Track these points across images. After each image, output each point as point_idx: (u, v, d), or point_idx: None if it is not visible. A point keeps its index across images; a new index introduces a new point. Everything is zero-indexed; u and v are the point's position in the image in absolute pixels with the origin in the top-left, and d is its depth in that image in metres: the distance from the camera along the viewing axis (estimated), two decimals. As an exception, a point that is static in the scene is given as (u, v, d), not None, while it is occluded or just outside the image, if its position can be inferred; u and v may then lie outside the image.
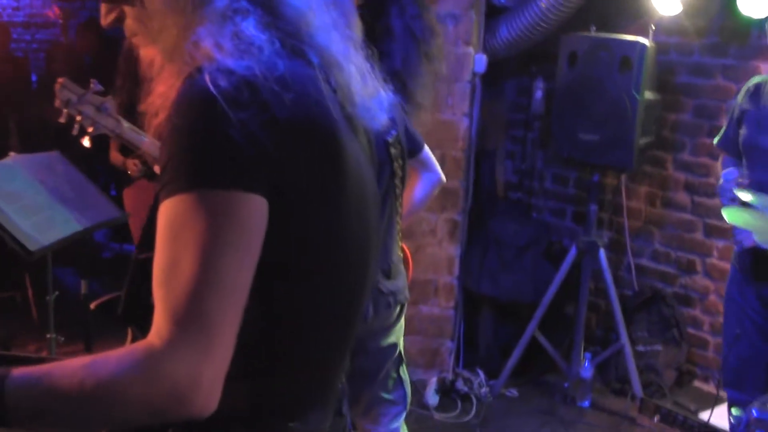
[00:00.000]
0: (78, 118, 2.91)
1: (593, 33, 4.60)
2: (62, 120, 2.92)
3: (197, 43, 1.28)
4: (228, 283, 1.18)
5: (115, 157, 4.12)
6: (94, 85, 2.93)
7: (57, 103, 2.91)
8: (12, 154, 3.36)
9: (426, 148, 2.92)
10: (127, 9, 1.39)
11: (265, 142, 1.22)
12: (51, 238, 3.08)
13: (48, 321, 3.53)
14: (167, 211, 1.20)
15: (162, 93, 1.33)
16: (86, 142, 3.05)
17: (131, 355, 1.16)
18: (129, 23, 1.41)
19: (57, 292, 3.56)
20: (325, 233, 1.35)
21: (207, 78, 1.22)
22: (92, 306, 4.00)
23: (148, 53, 1.41)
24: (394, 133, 2.58)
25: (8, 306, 5.62)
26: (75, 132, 2.94)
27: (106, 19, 1.42)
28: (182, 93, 1.24)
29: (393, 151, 2.59)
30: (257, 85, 1.24)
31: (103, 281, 5.90)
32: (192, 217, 1.18)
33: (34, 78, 7.72)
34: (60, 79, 2.93)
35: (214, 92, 1.20)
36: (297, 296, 1.34)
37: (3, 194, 3.04)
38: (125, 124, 2.95)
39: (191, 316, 1.15)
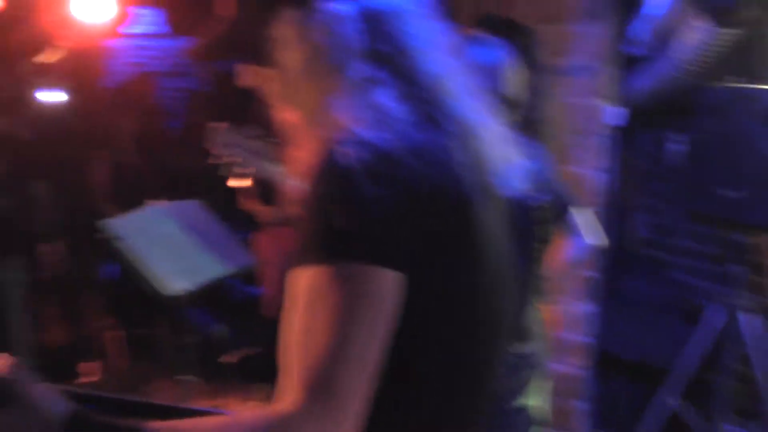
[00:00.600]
0: (233, 160, 3.00)
1: (736, 83, 4.45)
2: (215, 162, 3.01)
3: (335, 113, 1.31)
4: (360, 355, 1.19)
5: (250, 202, 4.22)
6: (250, 129, 3.02)
7: (212, 147, 3.00)
8: (156, 200, 3.48)
9: (574, 210, 2.88)
10: (268, 71, 1.41)
11: (400, 215, 1.23)
12: (191, 283, 3.18)
13: (180, 362, 3.62)
14: (303, 280, 1.23)
15: (301, 158, 1.35)
16: (239, 183, 3.14)
17: (265, 421, 1.17)
18: (270, 85, 1.43)
19: (193, 335, 3.65)
20: (459, 303, 1.35)
21: (345, 150, 1.23)
22: (229, 359, 4.08)
23: (287, 116, 1.43)
24: (535, 198, 2.55)
25: (141, 343, 5.79)
26: (229, 174, 3.03)
27: (244, 80, 1.45)
28: (321, 164, 1.26)
29: (534, 216, 2.56)
30: (394, 157, 1.25)
31: (232, 323, 6.02)
32: (327, 288, 1.20)
33: (176, 125, 8.01)
34: (215, 124, 3.03)
35: (352, 165, 1.22)
36: (429, 364, 1.34)
37: (148, 238, 3.16)
38: (277, 168, 3.01)
39: (323, 386, 1.16)
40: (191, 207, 3.54)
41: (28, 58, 5.08)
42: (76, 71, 6.17)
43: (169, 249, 3.22)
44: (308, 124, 1.38)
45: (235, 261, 3.39)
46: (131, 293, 3.53)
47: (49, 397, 1.24)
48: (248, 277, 5.98)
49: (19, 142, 5.08)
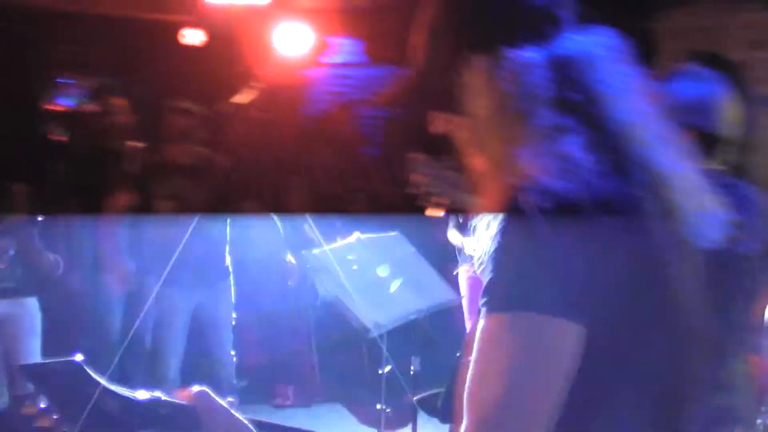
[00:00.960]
0: (430, 190, 3.00)
1: None
2: (415, 192, 3.02)
3: (520, 161, 1.28)
4: (532, 409, 1.18)
5: (453, 234, 4.19)
6: (448, 160, 3.01)
7: (410, 176, 3.02)
8: (356, 234, 3.52)
9: None
10: (457, 118, 1.40)
11: (584, 268, 1.21)
12: (389, 317, 3.18)
13: (372, 392, 3.63)
14: (485, 326, 1.23)
15: (487, 206, 1.33)
16: (435, 213, 3.15)
17: None
18: (459, 132, 1.42)
19: (389, 367, 3.65)
20: (641, 358, 1.30)
21: (528, 199, 1.22)
22: (415, 400, 4.09)
23: (475, 162, 1.42)
24: (742, 247, 2.39)
25: (336, 369, 5.88)
26: (426, 205, 3.04)
27: (435, 125, 1.44)
28: (503, 212, 1.25)
29: (739, 266, 2.40)
30: (579, 208, 1.22)
31: (433, 356, 6.00)
32: (505, 336, 1.20)
33: (373, 152, 8.15)
34: (413, 154, 3.04)
35: (534, 215, 1.20)
36: (608, 421, 1.29)
37: (347, 272, 3.19)
38: (472, 201, 2.99)
39: None
40: (392, 239, 3.55)
41: (229, 91, 5.30)
42: (277, 101, 6.41)
43: (368, 281, 3.23)
44: (494, 171, 1.36)
45: (436, 297, 3.36)
46: (335, 318, 3.59)
47: (235, 426, 1.34)
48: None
49: (221, 170, 5.30)
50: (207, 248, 5.11)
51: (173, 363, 5.10)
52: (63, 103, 7.52)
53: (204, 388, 1.48)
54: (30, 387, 1.44)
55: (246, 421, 1.48)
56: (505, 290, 1.22)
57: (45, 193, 5.54)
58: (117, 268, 5.10)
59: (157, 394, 1.49)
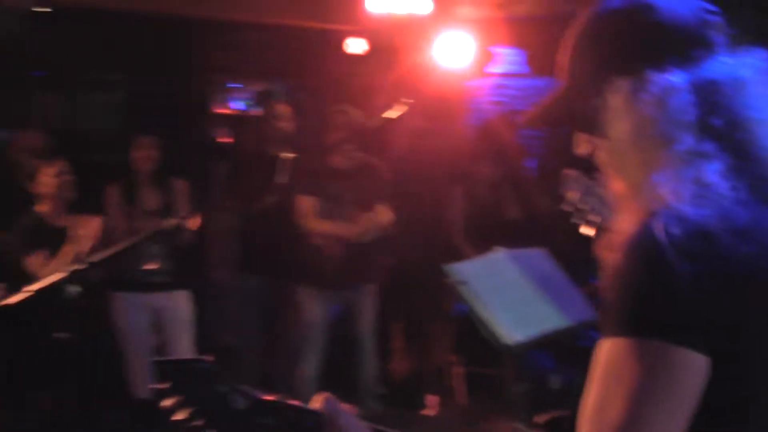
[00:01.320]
0: (584, 207, 2.93)
1: None
2: (567, 209, 2.97)
3: (656, 186, 1.27)
4: None
5: (603, 251, 4.05)
6: (597, 177, 2.92)
7: (565, 192, 2.96)
8: (499, 248, 3.48)
9: None
10: (599, 140, 1.39)
11: (713, 297, 1.18)
12: (530, 333, 3.13)
13: (516, 407, 3.57)
14: (604, 351, 1.21)
15: (622, 230, 1.32)
16: (589, 232, 3.08)
17: None
18: (600, 154, 1.41)
19: (530, 383, 3.58)
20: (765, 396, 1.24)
21: (660, 225, 1.20)
22: (540, 421, 3.98)
23: (614, 185, 1.41)
24: None
25: (485, 383, 5.81)
26: (580, 222, 2.97)
27: (580, 148, 1.41)
28: (634, 236, 1.24)
29: None
30: (713, 236, 1.20)
31: (578, 370, 5.84)
32: (625, 363, 1.18)
33: (532, 167, 8.02)
34: (569, 169, 2.99)
35: (665, 240, 1.19)
36: None
37: (489, 287, 3.15)
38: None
39: None
40: (537, 255, 3.49)
41: (390, 99, 5.33)
42: (437, 110, 6.42)
43: (510, 297, 3.19)
44: (631, 195, 1.35)
45: (578, 314, 3.27)
46: (478, 331, 3.56)
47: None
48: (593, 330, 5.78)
49: (380, 177, 5.34)
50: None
51: (314, 367, 5.18)
52: (230, 106, 7.84)
53: (330, 394, 1.50)
54: (166, 382, 1.49)
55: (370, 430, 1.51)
56: (626, 314, 1.20)
57: (207, 192, 5.77)
58: None
59: (284, 396, 1.51)
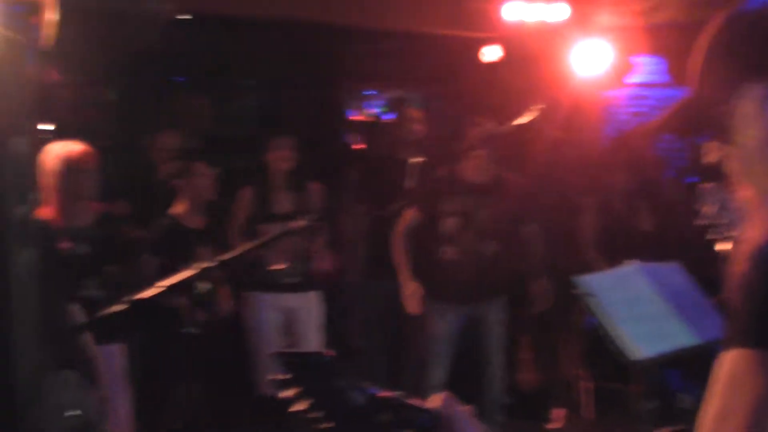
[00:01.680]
0: (720, 222, 2.86)
1: None
2: (703, 223, 2.89)
3: None
4: None
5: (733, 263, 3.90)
6: (729, 191, 2.83)
7: (701, 206, 2.90)
8: (631, 261, 3.40)
9: None
10: (728, 147, 1.36)
11: None
12: (659, 349, 3.05)
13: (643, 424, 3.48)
14: (726, 362, 1.18)
15: (749, 239, 1.28)
16: (725, 247, 2.99)
17: None
18: (730, 162, 1.39)
19: (658, 400, 3.49)
20: None
21: None
22: None
23: (744, 194, 1.38)
24: None
25: (613, 398, 5.68)
26: (716, 237, 2.89)
27: (709, 156, 1.38)
28: (761, 246, 1.22)
29: None
30: None
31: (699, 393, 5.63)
32: (748, 374, 1.16)
33: (670, 179, 7.77)
34: (704, 184, 2.92)
35: None
36: None
37: (619, 300, 3.09)
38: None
39: None
40: (671, 270, 3.38)
41: (525, 109, 5.29)
42: (573, 120, 6.31)
43: (640, 311, 3.11)
44: (759, 203, 1.33)
45: (711, 332, 3.15)
46: (607, 345, 3.49)
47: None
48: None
49: (513, 187, 5.29)
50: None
51: (440, 376, 5.16)
52: (364, 113, 7.95)
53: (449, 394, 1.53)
54: (288, 373, 1.54)
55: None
56: (750, 326, 1.18)
57: (340, 196, 5.87)
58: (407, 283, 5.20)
59: (401, 394, 1.54)
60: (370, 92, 8.18)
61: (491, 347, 5.26)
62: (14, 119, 2.37)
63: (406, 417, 1.52)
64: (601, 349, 4.94)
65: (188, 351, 4.59)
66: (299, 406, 1.55)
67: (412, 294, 5.05)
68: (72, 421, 2.60)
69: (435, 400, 1.52)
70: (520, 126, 5.15)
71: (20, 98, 2.56)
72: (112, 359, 3.96)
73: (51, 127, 5.75)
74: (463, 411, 1.51)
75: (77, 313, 3.91)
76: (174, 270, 2.90)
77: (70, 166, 4.18)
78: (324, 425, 1.52)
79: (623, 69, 6.65)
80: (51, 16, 2.71)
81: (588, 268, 4.70)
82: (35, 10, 2.59)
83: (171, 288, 2.87)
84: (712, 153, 1.41)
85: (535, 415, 5.87)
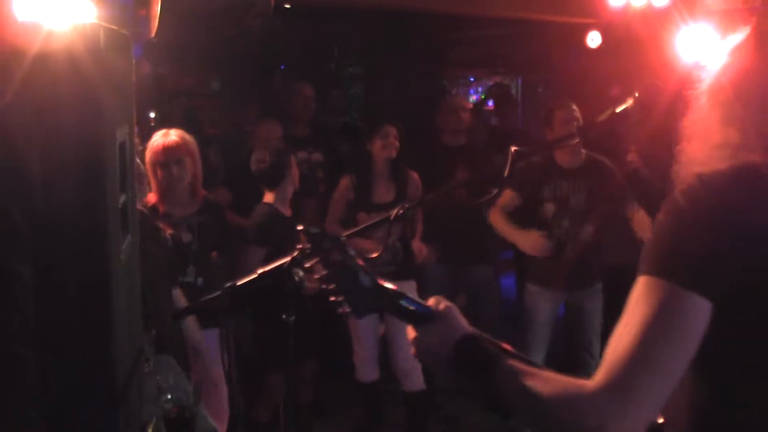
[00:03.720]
0: None
1: None
2: None
3: None
4: (656, 364, 1.34)
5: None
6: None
7: None
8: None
9: None
10: None
11: (724, 251, 1.37)
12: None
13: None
14: (635, 286, 1.43)
15: (683, 179, 1.54)
16: None
17: (573, 387, 1.41)
18: None
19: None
20: None
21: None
22: None
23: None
24: None
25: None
26: None
27: None
28: (682, 189, 1.50)
29: None
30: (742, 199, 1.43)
31: None
32: (643, 297, 1.39)
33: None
34: None
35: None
36: (753, 391, 1.44)
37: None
38: None
39: (619, 379, 1.34)
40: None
41: (628, 96, 5.12)
42: (675, 107, 6.10)
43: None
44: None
45: None
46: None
47: (461, 326, 1.69)
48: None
49: (608, 173, 5.17)
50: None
51: (537, 358, 5.09)
52: (467, 99, 7.86)
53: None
54: (308, 245, 1.83)
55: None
56: (654, 255, 1.42)
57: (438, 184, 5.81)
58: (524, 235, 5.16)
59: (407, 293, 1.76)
60: (472, 79, 8.10)
61: (589, 334, 5.17)
62: (120, 110, 2.43)
63: (404, 308, 1.74)
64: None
65: (288, 337, 4.62)
66: (315, 275, 1.79)
67: (536, 238, 5.02)
68: (170, 404, 2.66)
69: (438, 304, 1.74)
70: (618, 113, 5.00)
71: (127, 89, 2.63)
72: (212, 344, 4.04)
73: (155, 116, 5.91)
74: (453, 307, 1.73)
75: (179, 299, 4.01)
76: (274, 257, 2.91)
77: (172, 155, 4.27)
78: (334, 297, 1.76)
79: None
80: (157, 8, 2.76)
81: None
82: (144, 3, 2.65)
83: (271, 274, 2.88)
84: None
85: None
